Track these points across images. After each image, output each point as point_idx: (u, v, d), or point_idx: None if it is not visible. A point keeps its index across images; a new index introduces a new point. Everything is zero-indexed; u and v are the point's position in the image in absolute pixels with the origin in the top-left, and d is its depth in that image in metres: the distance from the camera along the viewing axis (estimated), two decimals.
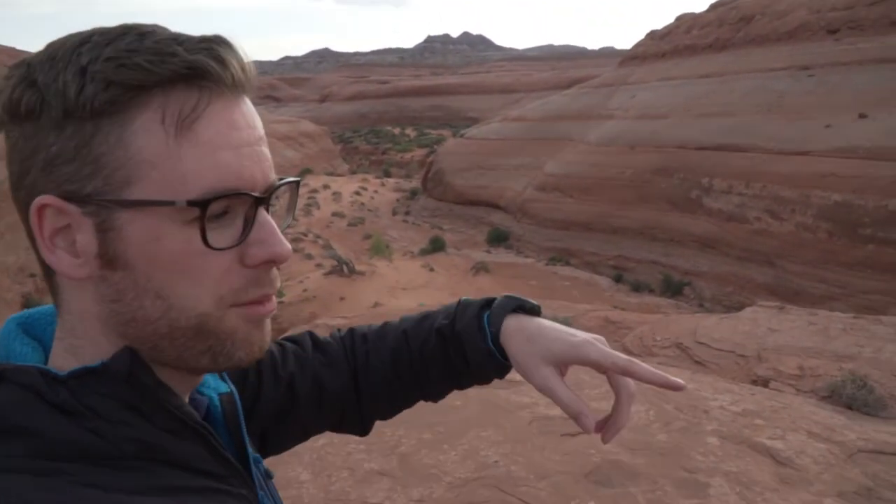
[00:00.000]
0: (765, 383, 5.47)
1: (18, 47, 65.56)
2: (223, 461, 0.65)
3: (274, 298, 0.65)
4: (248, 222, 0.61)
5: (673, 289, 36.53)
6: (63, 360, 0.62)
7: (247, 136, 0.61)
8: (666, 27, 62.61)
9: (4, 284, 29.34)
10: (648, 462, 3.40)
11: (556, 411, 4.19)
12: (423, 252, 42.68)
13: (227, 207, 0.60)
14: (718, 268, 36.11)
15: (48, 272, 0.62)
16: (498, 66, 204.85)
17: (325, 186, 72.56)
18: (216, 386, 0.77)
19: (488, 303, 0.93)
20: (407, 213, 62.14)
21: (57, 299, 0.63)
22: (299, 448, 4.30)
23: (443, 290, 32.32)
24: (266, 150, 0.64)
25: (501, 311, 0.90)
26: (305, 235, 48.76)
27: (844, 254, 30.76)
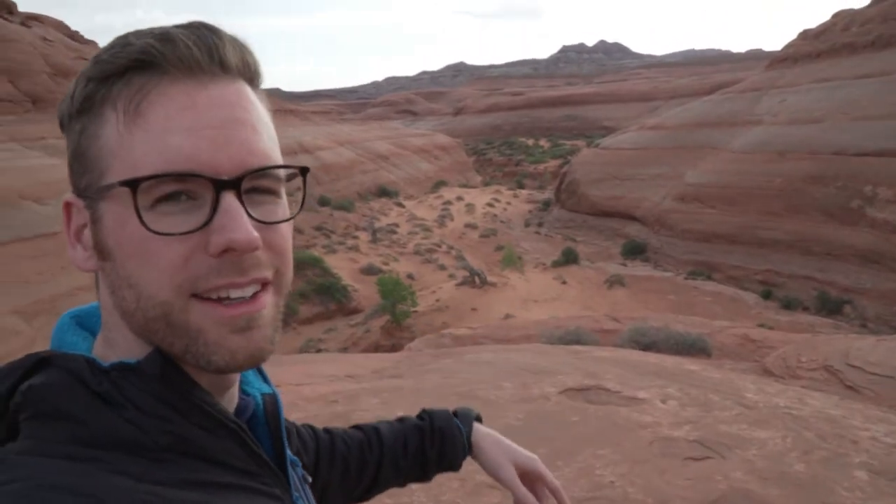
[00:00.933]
0: None
1: None
2: (257, 459, 0.65)
3: (261, 299, 0.62)
4: (213, 208, 0.59)
5: (830, 307, 33.68)
6: (103, 351, 0.64)
7: (208, 117, 0.59)
8: (821, 25, 58.21)
9: None
10: (782, 493, 3.10)
11: (681, 433, 3.92)
12: (556, 264, 42.05)
13: (188, 191, 0.58)
14: (884, 284, 32.89)
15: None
16: (635, 74, 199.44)
17: (459, 198, 73.62)
18: (259, 386, 0.78)
19: (454, 412, 1.15)
20: (539, 225, 61.68)
21: (98, 294, 0.66)
22: None
23: (575, 303, 31.71)
24: (245, 133, 0.61)
25: (468, 417, 1.15)
26: (439, 246, 49.63)
27: None
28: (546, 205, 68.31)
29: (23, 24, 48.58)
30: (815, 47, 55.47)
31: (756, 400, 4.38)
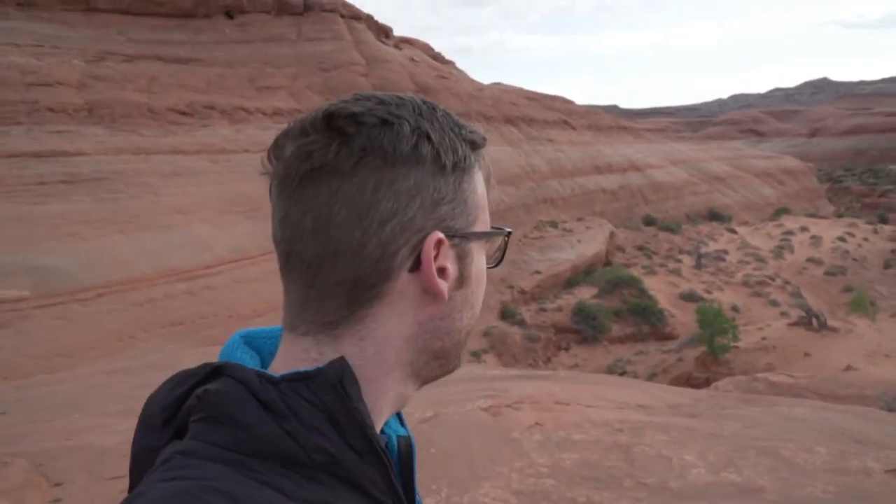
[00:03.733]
0: None
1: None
2: (395, 494, 0.67)
3: None
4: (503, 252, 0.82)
5: None
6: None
7: None
8: None
9: (488, 291, 34.20)
10: None
11: None
12: None
13: None
14: None
15: (353, 304, 0.68)
16: None
17: (803, 229, 66.01)
18: (396, 429, 0.80)
19: None
20: None
21: (350, 328, 0.69)
22: None
23: None
24: None
25: None
26: (772, 280, 45.16)
27: None
28: None
29: (396, 46, 56.18)
30: None
31: None
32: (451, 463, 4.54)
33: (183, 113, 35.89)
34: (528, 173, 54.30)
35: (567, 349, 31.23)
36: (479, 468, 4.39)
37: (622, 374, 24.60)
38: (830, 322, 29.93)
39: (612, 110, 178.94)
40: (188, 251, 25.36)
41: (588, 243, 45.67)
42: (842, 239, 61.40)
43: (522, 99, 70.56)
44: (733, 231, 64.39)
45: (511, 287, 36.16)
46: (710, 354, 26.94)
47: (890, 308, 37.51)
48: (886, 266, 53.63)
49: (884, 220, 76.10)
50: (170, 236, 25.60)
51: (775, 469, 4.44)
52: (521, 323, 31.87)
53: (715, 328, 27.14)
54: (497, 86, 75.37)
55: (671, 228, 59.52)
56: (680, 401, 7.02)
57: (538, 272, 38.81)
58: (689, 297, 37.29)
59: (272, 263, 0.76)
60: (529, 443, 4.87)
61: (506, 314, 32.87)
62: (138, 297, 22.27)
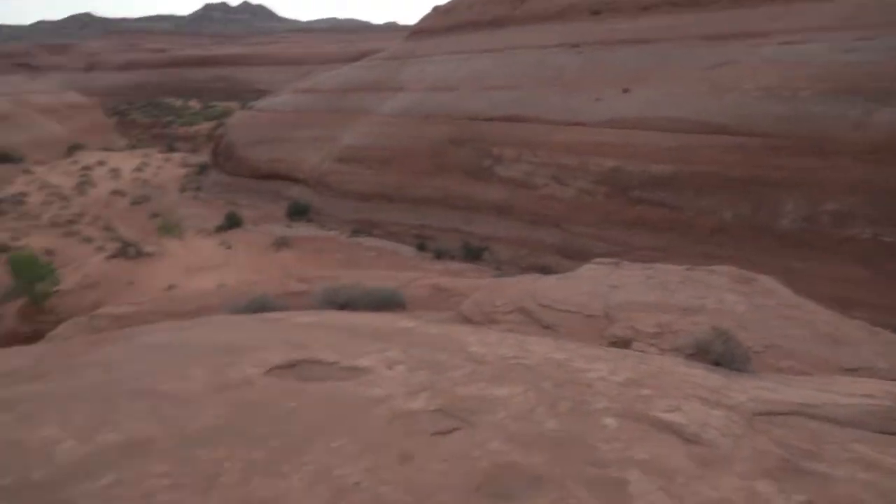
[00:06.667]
0: (625, 344, 5.15)
1: None
2: None
3: None
4: None
5: (472, 254, 37.40)
6: None
7: None
8: (449, 2, 63.08)
9: None
10: (547, 459, 2.76)
11: (420, 403, 3.40)
12: (219, 229, 39.83)
13: None
14: (513, 232, 37.45)
15: None
16: (284, 38, 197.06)
17: (101, 163, 65.55)
18: None
19: None
20: (197, 189, 57.78)
21: None
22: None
23: (244, 269, 30.32)
24: None
25: None
26: (81, 217, 43.55)
27: (620, 213, 33.22)
28: (203, 168, 64.23)
29: None
30: (445, 22, 60.13)
31: (483, 353, 4.09)
32: None
33: None
34: None
35: None
36: None
37: None
38: (146, 248, 30.78)
39: None
40: None
41: None
42: (139, 169, 63.51)
43: None
44: (30, 171, 59.23)
45: None
46: (34, 304, 24.75)
47: (194, 227, 40.85)
48: (183, 190, 57.99)
49: (172, 149, 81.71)
50: None
51: (157, 409, 3.88)
52: None
53: (31, 276, 24.92)
54: None
55: None
56: (16, 364, 5.59)
57: None
58: None
59: None
60: None
61: None
62: None
